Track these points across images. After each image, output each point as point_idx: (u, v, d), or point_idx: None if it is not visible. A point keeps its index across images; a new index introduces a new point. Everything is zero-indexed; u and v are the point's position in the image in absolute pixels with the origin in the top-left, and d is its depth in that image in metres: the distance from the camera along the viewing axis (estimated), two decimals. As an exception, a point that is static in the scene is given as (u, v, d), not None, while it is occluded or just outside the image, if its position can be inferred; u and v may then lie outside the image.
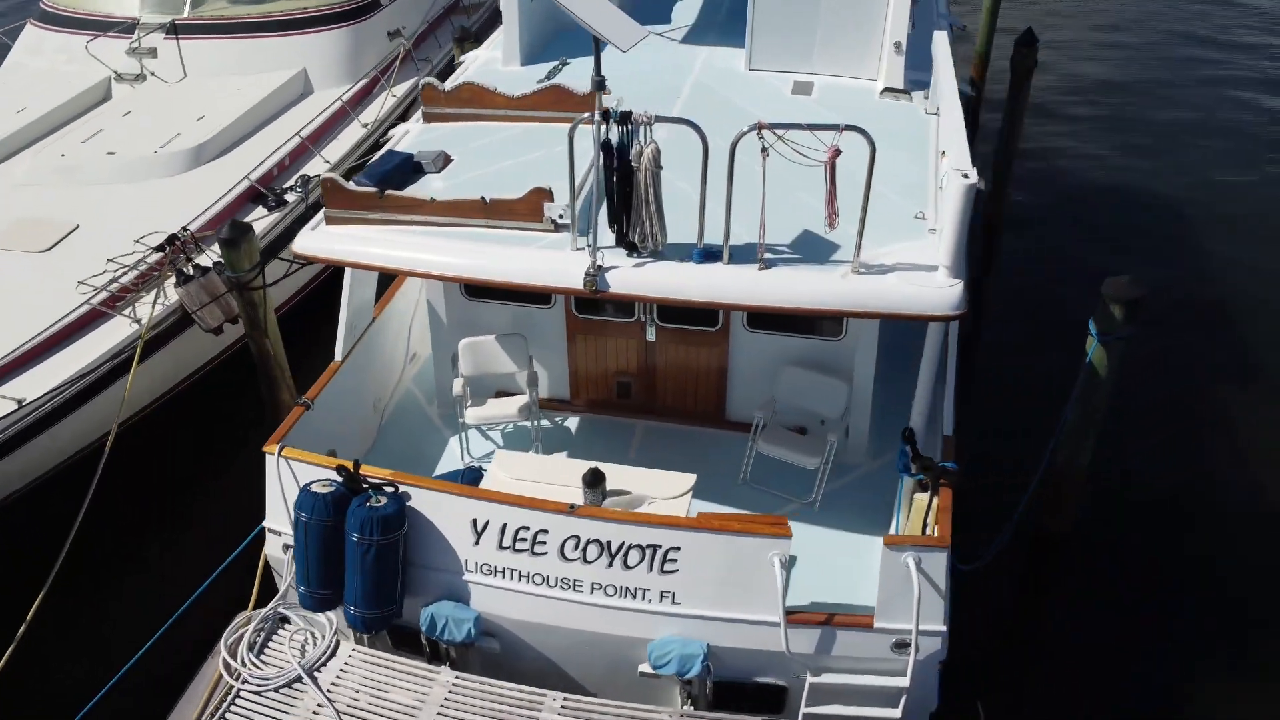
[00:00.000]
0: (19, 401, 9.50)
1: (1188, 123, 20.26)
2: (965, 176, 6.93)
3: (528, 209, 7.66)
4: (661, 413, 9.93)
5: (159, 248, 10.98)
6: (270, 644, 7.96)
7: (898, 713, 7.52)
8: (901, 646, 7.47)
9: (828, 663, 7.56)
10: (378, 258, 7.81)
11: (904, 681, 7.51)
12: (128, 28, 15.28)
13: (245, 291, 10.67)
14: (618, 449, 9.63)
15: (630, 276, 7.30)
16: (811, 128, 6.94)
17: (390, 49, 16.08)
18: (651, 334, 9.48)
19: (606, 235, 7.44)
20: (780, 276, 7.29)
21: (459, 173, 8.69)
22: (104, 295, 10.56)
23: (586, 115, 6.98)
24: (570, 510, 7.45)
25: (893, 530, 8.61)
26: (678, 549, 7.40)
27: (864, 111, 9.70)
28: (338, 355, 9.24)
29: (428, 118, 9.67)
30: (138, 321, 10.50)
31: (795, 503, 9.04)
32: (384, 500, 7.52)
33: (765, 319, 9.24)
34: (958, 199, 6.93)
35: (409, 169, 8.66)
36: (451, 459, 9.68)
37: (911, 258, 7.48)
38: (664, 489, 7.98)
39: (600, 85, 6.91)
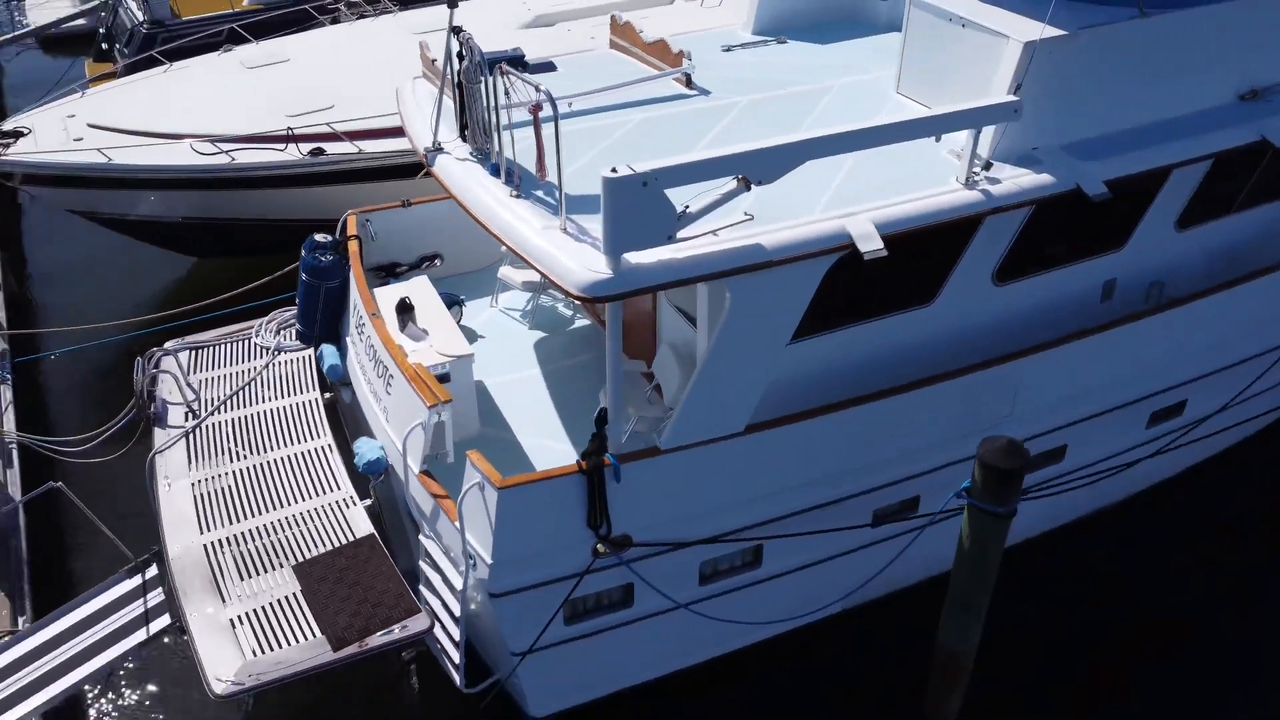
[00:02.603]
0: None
1: None
2: (614, 171, 7.15)
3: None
4: (631, 352, 10.89)
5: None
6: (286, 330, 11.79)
7: (457, 607, 8.49)
8: (465, 555, 8.38)
9: (436, 530, 8.80)
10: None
11: (459, 581, 8.46)
12: None
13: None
14: (544, 356, 10.97)
15: (447, 164, 9.01)
16: (523, 79, 7.86)
17: None
18: None
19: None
20: (510, 207, 8.26)
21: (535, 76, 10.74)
22: None
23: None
24: (372, 315, 9.75)
25: None
26: (394, 379, 9.24)
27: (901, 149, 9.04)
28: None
29: (611, 44, 11.69)
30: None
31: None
32: (328, 258, 10.64)
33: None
34: (603, 192, 7.19)
35: (513, 65, 10.97)
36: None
37: None
38: (440, 343, 9.61)
39: (453, 3, 8.61)
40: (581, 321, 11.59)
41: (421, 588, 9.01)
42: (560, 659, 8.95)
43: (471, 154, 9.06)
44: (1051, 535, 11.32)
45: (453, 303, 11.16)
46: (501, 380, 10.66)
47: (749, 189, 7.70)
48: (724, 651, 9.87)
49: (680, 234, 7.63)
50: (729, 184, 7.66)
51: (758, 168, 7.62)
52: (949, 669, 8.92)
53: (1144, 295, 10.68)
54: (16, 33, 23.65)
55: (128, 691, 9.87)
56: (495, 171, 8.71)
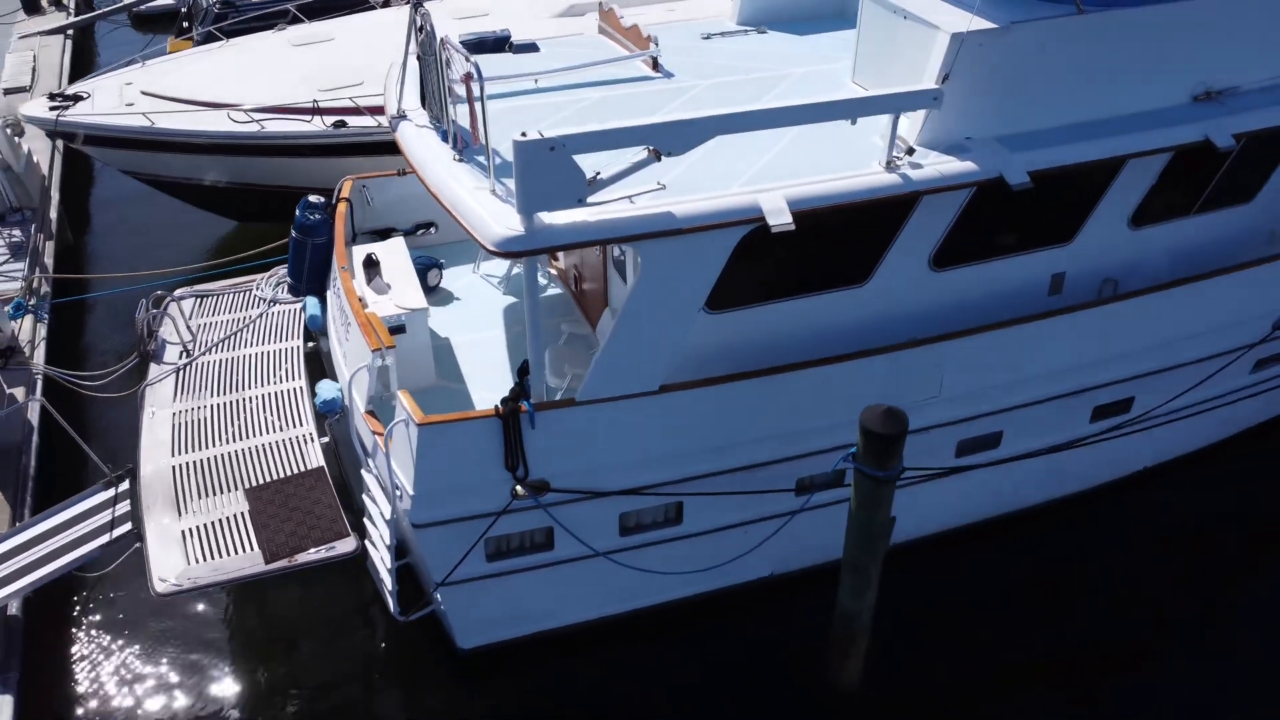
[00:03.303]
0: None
1: None
2: (524, 135, 7.77)
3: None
4: (591, 317, 11.50)
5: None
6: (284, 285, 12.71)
7: (389, 536, 9.22)
8: (392, 487, 9.11)
9: (375, 465, 9.53)
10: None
11: (388, 511, 9.19)
12: None
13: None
14: (511, 319, 11.62)
15: (407, 129, 9.74)
16: (455, 49, 8.49)
17: None
18: None
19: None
20: (450, 169, 8.93)
21: (517, 56, 11.42)
22: None
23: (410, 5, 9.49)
24: (341, 269, 10.56)
25: None
26: (351, 326, 10.03)
27: (837, 134, 9.52)
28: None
29: (599, 30, 12.30)
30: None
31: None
32: (315, 216, 11.51)
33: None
34: (513, 154, 7.81)
35: (498, 45, 11.71)
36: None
37: None
38: (399, 296, 10.35)
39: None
40: (555, 290, 12.24)
41: (365, 519, 9.77)
42: (484, 594, 9.62)
43: (430, 122, 9.79)
44: (997, 529, 11.58)
45: (432, 265, 11.94)
46: (468, 339, 11.37)
47: (659, 159, 8.25)
48: (649, 604, 10.40)
49: (594, 199, 8.21)
50: (640, 153, 8.22)
51: (665, 139, 8.15)
52: (845, 628, 9.30)
53: (1096, 291, 10.85)
54: (106, 9, 25.40)
55: (110, 585, 10.95)
56: (445, 137, 9.41)
